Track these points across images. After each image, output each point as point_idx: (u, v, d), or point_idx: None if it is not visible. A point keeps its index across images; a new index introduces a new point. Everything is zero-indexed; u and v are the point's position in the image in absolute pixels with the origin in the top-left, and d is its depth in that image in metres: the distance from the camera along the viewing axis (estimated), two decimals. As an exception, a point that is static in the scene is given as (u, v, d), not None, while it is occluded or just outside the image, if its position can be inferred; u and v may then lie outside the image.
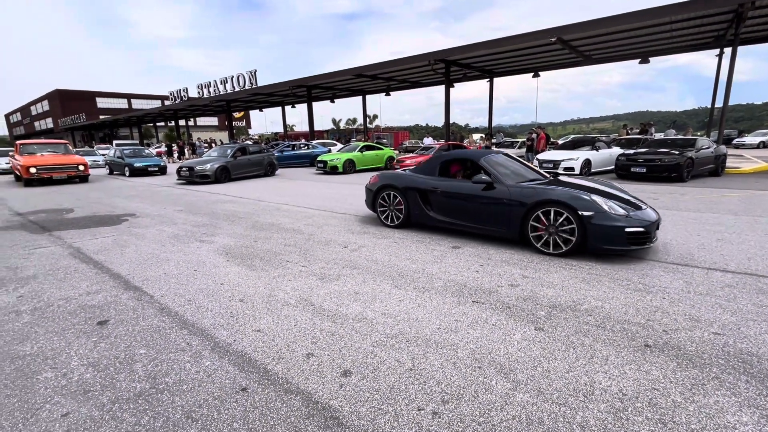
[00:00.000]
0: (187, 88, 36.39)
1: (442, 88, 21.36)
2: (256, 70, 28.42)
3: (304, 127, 71.56)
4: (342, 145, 25.11)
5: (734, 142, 28.14)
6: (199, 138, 37.85)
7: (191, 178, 13.88)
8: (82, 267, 4.63)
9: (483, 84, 25.35)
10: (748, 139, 27.93)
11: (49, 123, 71.99)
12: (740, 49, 15.41)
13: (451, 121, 22.73)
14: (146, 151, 19.77)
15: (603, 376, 2.32)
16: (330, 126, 70.43)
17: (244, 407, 2.13)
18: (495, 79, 24.81)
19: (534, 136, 16.49)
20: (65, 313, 3.36)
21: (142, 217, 7.65)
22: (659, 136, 17.67)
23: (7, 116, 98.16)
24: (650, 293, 3.50)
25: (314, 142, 23.90)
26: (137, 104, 71.39)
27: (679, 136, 14.39)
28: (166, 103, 55.44)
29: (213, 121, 74.76)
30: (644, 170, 11.31)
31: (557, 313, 3.16)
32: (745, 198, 8.17)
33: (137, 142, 48.47)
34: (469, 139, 29.00)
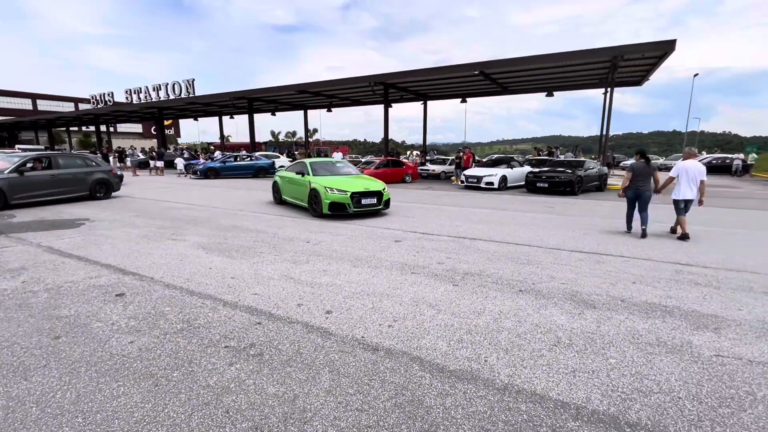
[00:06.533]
0: (112, 92, 34.23)
1: (381, 106, 23.15)
2: (194, 79, 28.01)
3: (240, 138, 69.64)
4: (290, 160, 25.70)
5: (621, 164, 33.79)
6: (132, 146, 35.46)
7: None
8: (67, 260, 5.11)
9: (419, 105, 27.76)
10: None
11: (-74, 122, 61.50)
12: (632, 88, 19.19)
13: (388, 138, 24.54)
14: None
15: (491, 304, 3.73)
16: (269, 138, 69.48)
17: (263, 331, 3.15)
18: (429, 102, 27.34)
19: (461, 154, 18.79)
20: (80, 291, 4.01)
21: (98, 222, 7.90)
22: (563, 158, 21.07)
23: None
24: (530, 264, 5.10)
25: (257, 153, 24.20)
26: (44, 105, 64.25)
27: (572, 158, 17.50)
28: (83, 106, 50.94)
29: (137, 128, 69.65)
30: (546, 185, 13.82)
31: (468, 277, 4.58)
32: (612, 207, 10.66)
33: (43, 147, 43.78)
34: (406, 155, 31.33)
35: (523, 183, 15.14)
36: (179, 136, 77.33)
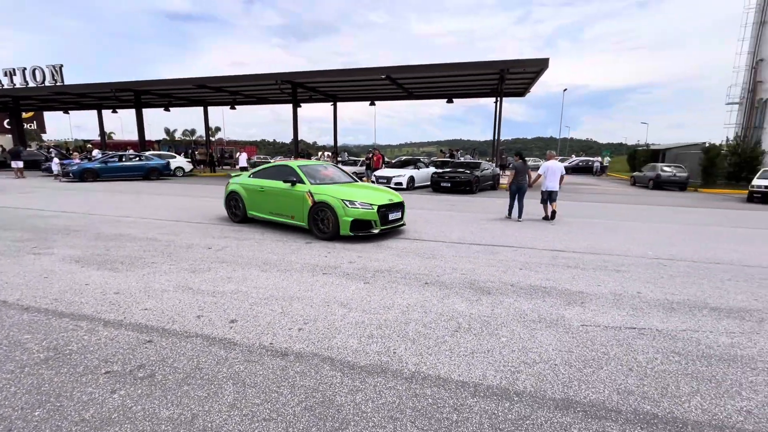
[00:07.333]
0: (-59, 75, 27.23)
1: (290, 106, 22.45)
2: (62, 65, 23.80)
3: (126, 136, 61.44)
4: (188, 160, 23.45)
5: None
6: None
7: None
8: None
9: (329, 106, 27.58)
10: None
11: None
12: (518, 99, 21.62)
13: (299, 139, 23.95)
14: None
15: (399, 299, 3.88)
16: (163, 136, 62.36)
17: (155, 350, 2.82)
18: (339, 103, 27.36)
19: (372, 156, 19.21)
20: None
21: None
22: (463, 159, 22.90)
23: None
24: (435, 259, 5.44)
25: (148, 153, 21.55)
26: None
27: (470, 160, 19.17)
28: None
29: (-18, 120, 56.51)
30: (449, 185, 14.89)
31: (379, 274, 4.70)
32: (504, 203, 11.90)
33: None
34: (317, 156, 30.96)
35: (429, 183, 16.08)
36: (44, 132, 64.82)
